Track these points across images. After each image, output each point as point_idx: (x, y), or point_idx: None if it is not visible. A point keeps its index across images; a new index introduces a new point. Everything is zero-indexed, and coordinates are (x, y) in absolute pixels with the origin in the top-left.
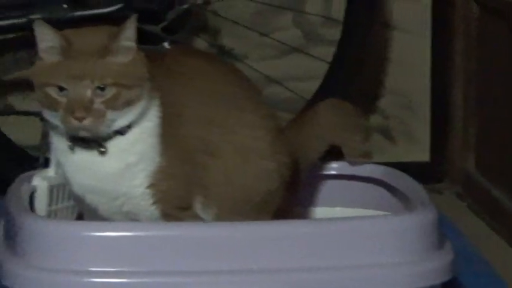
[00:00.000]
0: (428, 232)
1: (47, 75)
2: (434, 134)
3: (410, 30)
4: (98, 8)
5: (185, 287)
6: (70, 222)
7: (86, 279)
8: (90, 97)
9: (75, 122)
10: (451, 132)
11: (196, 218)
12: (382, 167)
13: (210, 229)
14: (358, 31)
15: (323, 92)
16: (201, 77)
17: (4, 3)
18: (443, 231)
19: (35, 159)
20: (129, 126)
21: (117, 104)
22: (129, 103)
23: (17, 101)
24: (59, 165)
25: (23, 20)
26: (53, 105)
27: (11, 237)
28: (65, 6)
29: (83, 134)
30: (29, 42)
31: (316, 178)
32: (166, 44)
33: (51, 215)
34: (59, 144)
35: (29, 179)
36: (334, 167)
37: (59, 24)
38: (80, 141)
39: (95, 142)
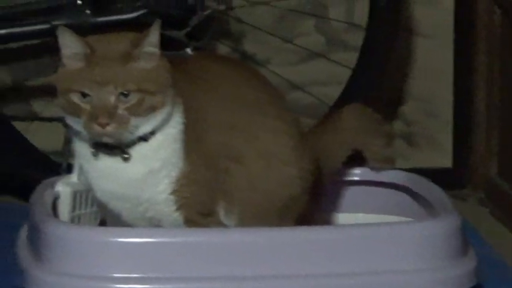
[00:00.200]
0: (452, 239)
1: (70, 81)
2: (456, 140)
3: (433, 36)
4: (121, 14)
5: None
6: (93, 228)
7: (109, 285)
8: (113, 103)
9: (98, 128)
10: (473, 138)
11: (219, 223)
12: (405, 173)
13: (232, 235)
14: (381, 37)
15: (346, 98)
16: (224, 82)
17: (27, 9)
18: (467, 238)
19: (58, 165)
20: (152, 132)
21: (140, 110)
22: (152, 109)
23: (40, 107)
24: (82, 171)
25: (46, 26)
26: (76, 111)
27: (35, 242)
28: (88, 12)
29: (106, 140)
30: (52, 48)
31: (339, 184)
32: (189, 50)
33: (74, 220)
34: (82, 150)
35: (52, 185)
36: (357, 173)
37: (82, 30)
38: (103, 147)
39: (118, 148)
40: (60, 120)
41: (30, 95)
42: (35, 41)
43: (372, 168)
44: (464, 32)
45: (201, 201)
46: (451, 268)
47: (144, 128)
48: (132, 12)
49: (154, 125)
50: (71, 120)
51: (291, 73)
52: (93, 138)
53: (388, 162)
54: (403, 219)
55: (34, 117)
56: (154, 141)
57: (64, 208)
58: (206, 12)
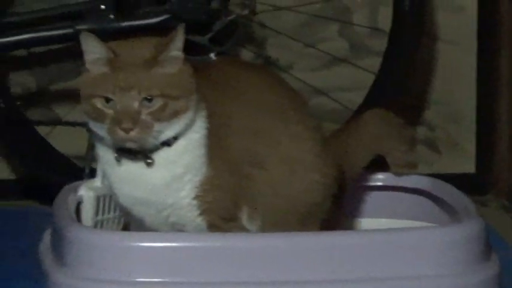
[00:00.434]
0: (475, 244)
1: (93, 86)
2: (480, 146)
3: (456, 42)
4: (144, 18)
5: None
6: (116, 232)
7: None
8: (137, 108)
9: (122, 134)
10: (496, 143)
11: (241, 229)
12: (428, 178)
13: (255, 240)
14: (405, 42)
15: (369, 103)
16: (247, 88)
17: (51, 13)
18: (489, 243)
19: (81, 169)
20: (176, 138)
21: (164, 115)
22: (176, 114)
23: (63, 111)
24: (105, 176)
25: (70, 30)
26: (99, 116)
27: (58, 247)
28: (112, 16)
29: (129, 145)
30: (75, 53)
31: (362, 189)
32: (212, 55)
33: (97, 225)
34: (105, 155)
35: (76, 190)
36: (379, 178)
37: (105, 35)
38: (126, 152)
39: (142, 153)
40: (84, 125)
41: (54, 100)
42: (58, 46)
43: (395, 174)
44: (487, 37)
45: (224, 206)
46: (474, 274)
47: (168, 133)
48: (155, 17)
49: (178, 130)
50: (94, 126)
51: (314, 78)
52: (117, 144)
53: (411, 168)
54: (425, 224)
55: (57, 122)
56: (177, 146)
57: (87, 213)
58: (230, 17)
